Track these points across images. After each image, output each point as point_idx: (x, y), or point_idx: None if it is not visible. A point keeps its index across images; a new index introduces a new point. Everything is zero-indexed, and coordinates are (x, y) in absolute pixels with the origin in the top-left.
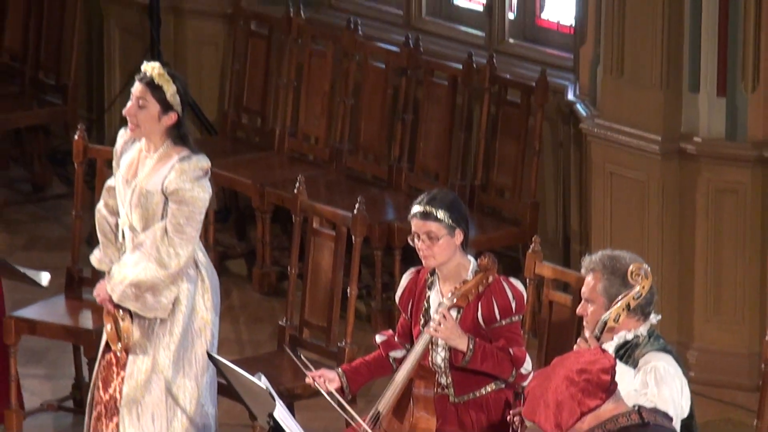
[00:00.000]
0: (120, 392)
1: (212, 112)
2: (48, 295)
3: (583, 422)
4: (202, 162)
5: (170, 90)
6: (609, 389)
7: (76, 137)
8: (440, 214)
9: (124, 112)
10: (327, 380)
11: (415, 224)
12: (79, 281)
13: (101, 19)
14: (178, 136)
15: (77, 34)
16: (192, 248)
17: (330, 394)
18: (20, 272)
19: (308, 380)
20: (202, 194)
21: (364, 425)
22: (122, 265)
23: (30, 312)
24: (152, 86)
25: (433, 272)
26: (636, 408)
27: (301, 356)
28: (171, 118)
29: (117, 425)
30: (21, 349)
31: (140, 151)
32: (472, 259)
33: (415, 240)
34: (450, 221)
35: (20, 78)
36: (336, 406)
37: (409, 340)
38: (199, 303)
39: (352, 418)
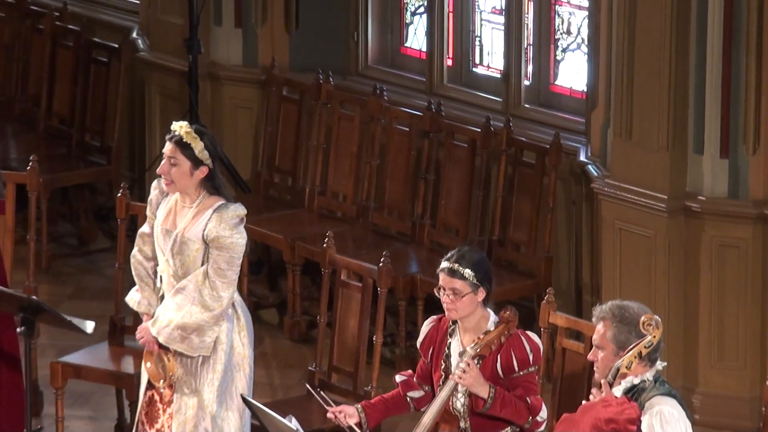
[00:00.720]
0: (169, 427)
1: (246, 171)
2: (92, 341)
3: None
4: (239, 210)
5: (198, 147)
6: None
7: (119, 195)
8: (467, 273)
9: (158, 170)
10: (347, 415)
11: (443, 279)
12: (121, 329)
13: (143, 85)
14: (212, 187)
15: (120, 100)
16: (233, 290)
17: (350, 428)
18: (67, 320)
19: (329, 415)
20: (240, 240)
21: None
22: (166, 309)
23: (76, 358)
24: (181, 144)
25: (455, 321)
26: None
27: (321, 392)
28: (203, 171)
29: None
30: (67, 393)
31: (177, 202)
32: (491, 312)
33: (441, 293)
34: (475, 280)
35: (68, 140)
36: None
37: (427, 382)
38: (236, 340)
39: None
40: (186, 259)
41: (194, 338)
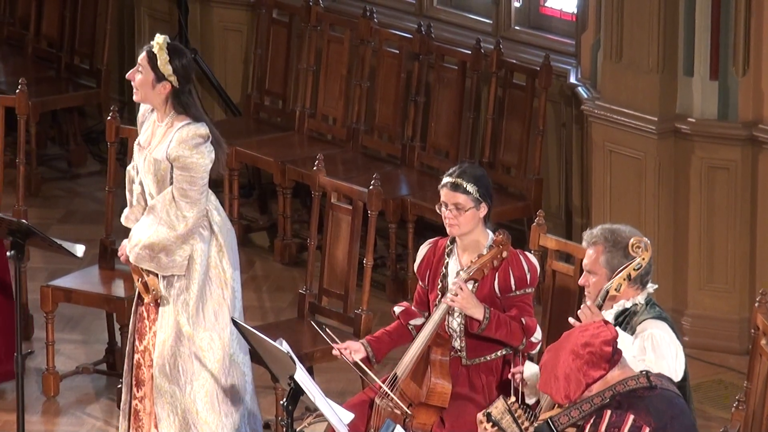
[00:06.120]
0: (153, 345)
1: (237, 94)
2: (83, 265)
3: (591, 390)
4: (201, 129)
5: (162, 60)
6: (612, 359)
7: (108, 118)
8: (469, 187)
9: (126, 75)
10: (353, 351)
11: (445, 194)
12: (111, 252)
13: (132, 7)
14: (179, 104)
15: (110, 22)
16: (199, 209)
17: (356, 364)
18: (57, 244)
19: (335, 352)
20: (201, 160)
21: (389, 392)
22: (138, 228)
23: (66, 281)
24: (150, 55)
25: (453, 240)
26: (644, 372)
27: (327, 329)
28: (165, 87)
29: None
30: (58, 316)
31: (154, 122)
32: (490, 233)
33: (443, 209)
34: (477, 195)
35: (57, 63)
36: (362, 375)
37: (426, 308)
38: (215, 260)
39: (374, 383)
40: (156, 178)
41: (162, 257)
